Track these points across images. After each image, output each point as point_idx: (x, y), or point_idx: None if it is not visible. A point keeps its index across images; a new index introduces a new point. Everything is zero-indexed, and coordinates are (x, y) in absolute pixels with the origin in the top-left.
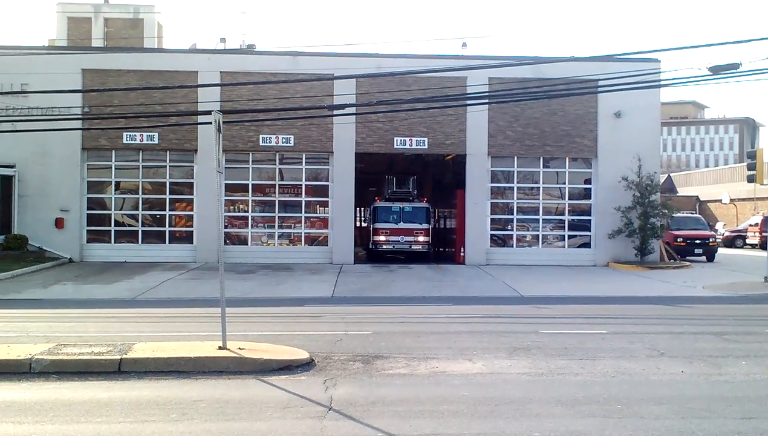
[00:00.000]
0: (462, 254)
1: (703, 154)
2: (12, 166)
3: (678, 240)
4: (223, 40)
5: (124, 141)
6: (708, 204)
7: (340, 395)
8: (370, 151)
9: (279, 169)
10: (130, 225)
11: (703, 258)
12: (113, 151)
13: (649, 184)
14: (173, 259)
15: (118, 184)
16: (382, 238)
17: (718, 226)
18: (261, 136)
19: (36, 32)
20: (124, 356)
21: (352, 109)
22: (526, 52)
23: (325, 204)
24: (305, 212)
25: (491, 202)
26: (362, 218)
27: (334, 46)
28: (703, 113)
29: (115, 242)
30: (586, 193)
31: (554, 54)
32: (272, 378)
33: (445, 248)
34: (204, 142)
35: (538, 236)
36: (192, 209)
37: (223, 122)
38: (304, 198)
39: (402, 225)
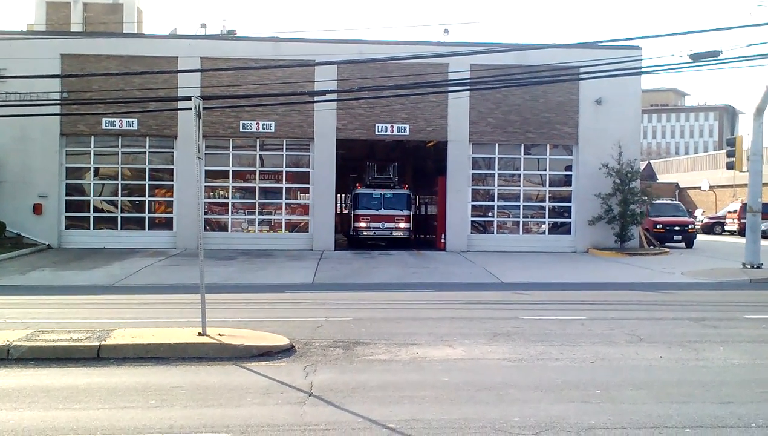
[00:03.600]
0: (443, 241)
1: (683, 142)
2: None
3: (657, 227)
4: (203, 26)
5: (104, 127)
6: (687, 191)
7: (320, 381)
8: (351, 138)
9: (259, 155)
10: (109, 211)
11: (683, 244)
12: (92, 137)
13: (630, 171)
14: (153, 245)
15: (97, 170)
16: (363, 224)
17: (698, 212)
18: (241, 122)
19: (14, 17)
20: (103, 343)
21: (334, 96)
22: (509, 39)
23: (305, 190)
24: (286, 199)
25: (472, 189)
26: (343, 205)
27: (316, 32)
28: (684, 101)
29: (93, 229)
30: (567, 180)
31: (537, 41)
32: (252, 364)
33: (426, 235)
34: (184, 128)
35: (518, 222)
36: (172, 196)
37: (204, 108)
38: (284, 184)
39: (383, 211)
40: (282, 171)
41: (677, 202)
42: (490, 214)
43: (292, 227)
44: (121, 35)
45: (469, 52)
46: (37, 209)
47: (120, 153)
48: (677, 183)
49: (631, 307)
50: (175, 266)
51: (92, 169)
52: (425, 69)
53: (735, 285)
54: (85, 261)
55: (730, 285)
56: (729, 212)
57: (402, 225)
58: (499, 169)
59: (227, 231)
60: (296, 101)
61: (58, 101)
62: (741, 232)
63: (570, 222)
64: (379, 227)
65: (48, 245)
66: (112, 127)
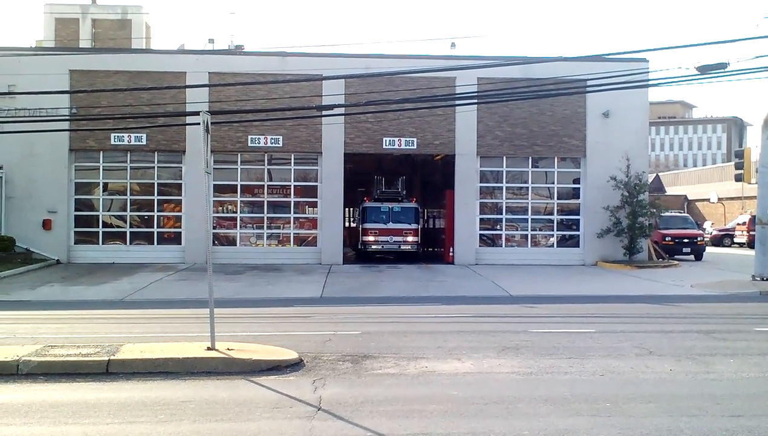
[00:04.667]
0: (451, 254)
1: (691, 154)
2: None
3: (666, 239)
4: (211, 41)
5: (112, 142)
6: (696, 203)
7: (329, 395)
8: (359, 152)
9: (267, 169)
10: (118, 226)
11: (692, 257)
12: (101, 153)
13: (638, 183)
14: (161, 260)
15: (105, 185)
16: (371, 238)
17: (706, 225)
18: (249, 136)
19: (23, 33)
20: (112, 358)
21: (341, 110)
22: (515, 52)
23: (313, 205)
24: (294, 213)
25: (480, 202)
26: (351, 219)
27: (323, 46)
28: (691, 113)
29: (102, 244)
30: (575, 193)
31: (543, 54)
32: (261, 378)
33: (435, 248)
34: (192, 143)
35: (527, 235)
36: (180, 210)
37: (212, 123)
38: (292, 198)
39: (391, 225)
40: (290, 185)
41: (686, 214)
42: (498, 227)
43: (301, 241)
44: (129, 51)
45: (476, 65)
46: (46, 224)
47: (129, 168)
48: (686, 195)
49: (641, 320)
50: (184, 280)
51: (101, 185)
52: (432, 83)
53: (744, 298)
54: (94, 276)
55: (739, 298)
56: (738, 224)
57: (410, 239)
58: (506, 183)
59: (236, 245)
60: (304, 115)
61: (67, 117)
62: (750, 244)
63: (578, 235)
64: (388, 241)
65: (57, 260)
66: (120, 143)
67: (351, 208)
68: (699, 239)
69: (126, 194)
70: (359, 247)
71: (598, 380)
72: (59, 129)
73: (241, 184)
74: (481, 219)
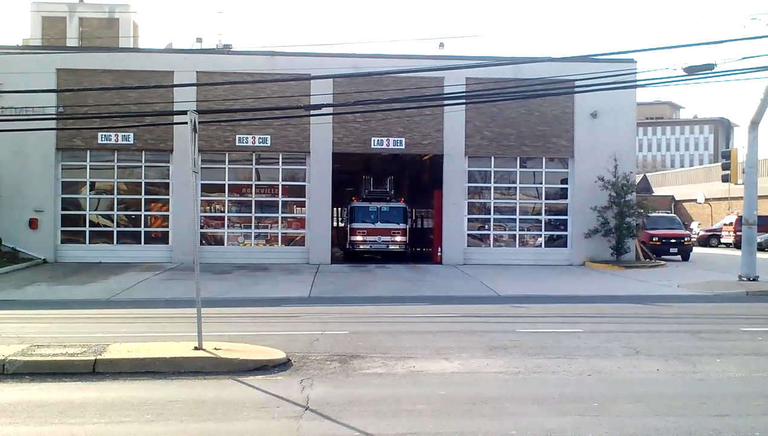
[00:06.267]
0: (439, 254)
1: (678, 155)
2: None
3: (653, 239)
4: (199, 40)
5: (99, 141)
6: (683, 204)
7: (316, 394)
8: (347, 151)
9: (255, 169)
10: (105, 225)
11: (679, 257)
12: (88, 152)
13: (625, 183)
14: (149, 259)
15: (93, 184)
16: (359, 238)
17: (693, 225)
18: (237, 136)
19: (10, 32)
20: (99, 357)
21: (329, 109)
22: (504, 52)
23: (301, 204)
24: (282, 212)
25: (468, 202)
26: (339, 218)
27: (312, 46)
28: (679, 114)
29: (89, 243)
30: (563, 193)
31: (532, 54)
32: (248, 378)
33: (423, 248)
34: (180, 142)
35: (515, 235)
36: (168, 210)
37: (199, 122)
38: (280, 198)
39: (379, 225)
40: (278, 185)
41: (673, 214)
42: (486, 227)
43: (289, 240)
44: (116, 49)
45: (464, 65)
46: (32, 224)
47: (116, 167)
48: (673, 196)
49: (628, 320)
50: (172, 280)
51: (88, 184)
52: (420, 82)
53: (731, 298)
54: (81, 275)
55: (726, 298)
56: (725, 225)
57: (398, 238)
58: (495, 183)
59: (223, 245)
60: (292, 115)
61: (54, 116)
62: (737, 244)
63: (566, 235)
64: (376, 241)
65: (44, 259)
66: (108, 142)
67: (339, 208)
68: (686, 239)
69: (113, 193)
70: (347, 246)
71: (585, 379)
72: (46, 128)
73: (228, 184)
74: (469, 219)
